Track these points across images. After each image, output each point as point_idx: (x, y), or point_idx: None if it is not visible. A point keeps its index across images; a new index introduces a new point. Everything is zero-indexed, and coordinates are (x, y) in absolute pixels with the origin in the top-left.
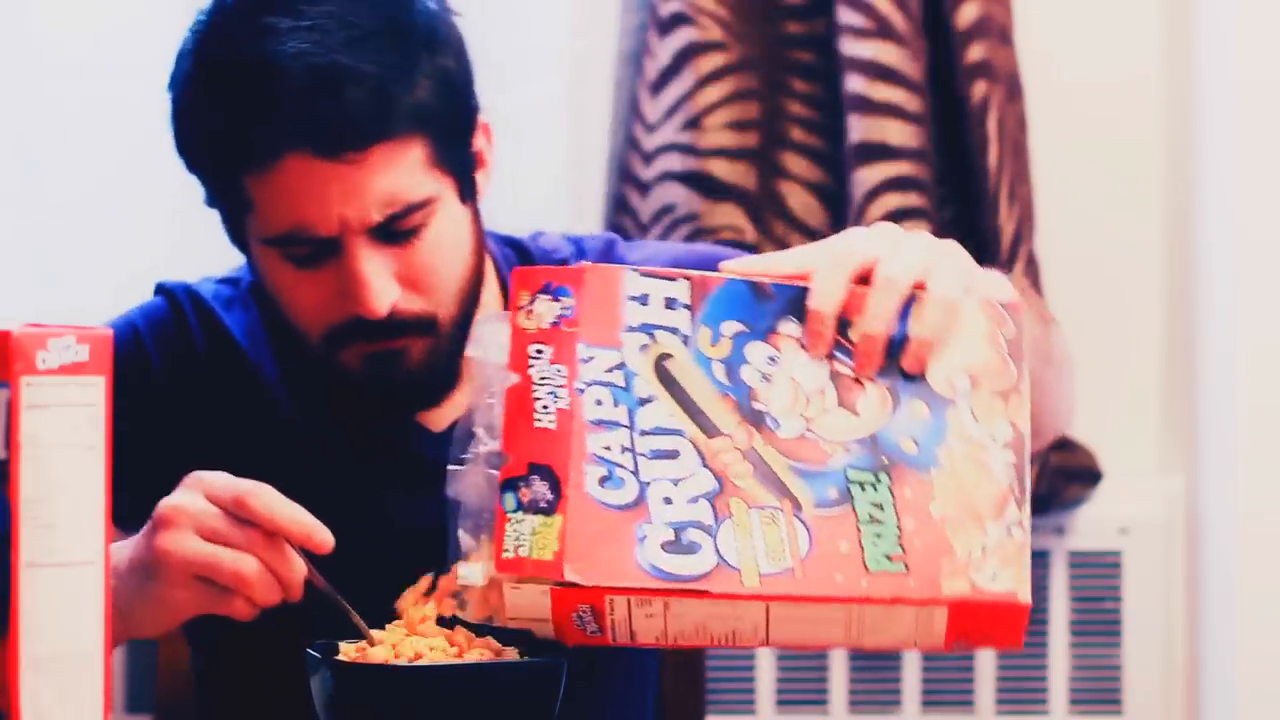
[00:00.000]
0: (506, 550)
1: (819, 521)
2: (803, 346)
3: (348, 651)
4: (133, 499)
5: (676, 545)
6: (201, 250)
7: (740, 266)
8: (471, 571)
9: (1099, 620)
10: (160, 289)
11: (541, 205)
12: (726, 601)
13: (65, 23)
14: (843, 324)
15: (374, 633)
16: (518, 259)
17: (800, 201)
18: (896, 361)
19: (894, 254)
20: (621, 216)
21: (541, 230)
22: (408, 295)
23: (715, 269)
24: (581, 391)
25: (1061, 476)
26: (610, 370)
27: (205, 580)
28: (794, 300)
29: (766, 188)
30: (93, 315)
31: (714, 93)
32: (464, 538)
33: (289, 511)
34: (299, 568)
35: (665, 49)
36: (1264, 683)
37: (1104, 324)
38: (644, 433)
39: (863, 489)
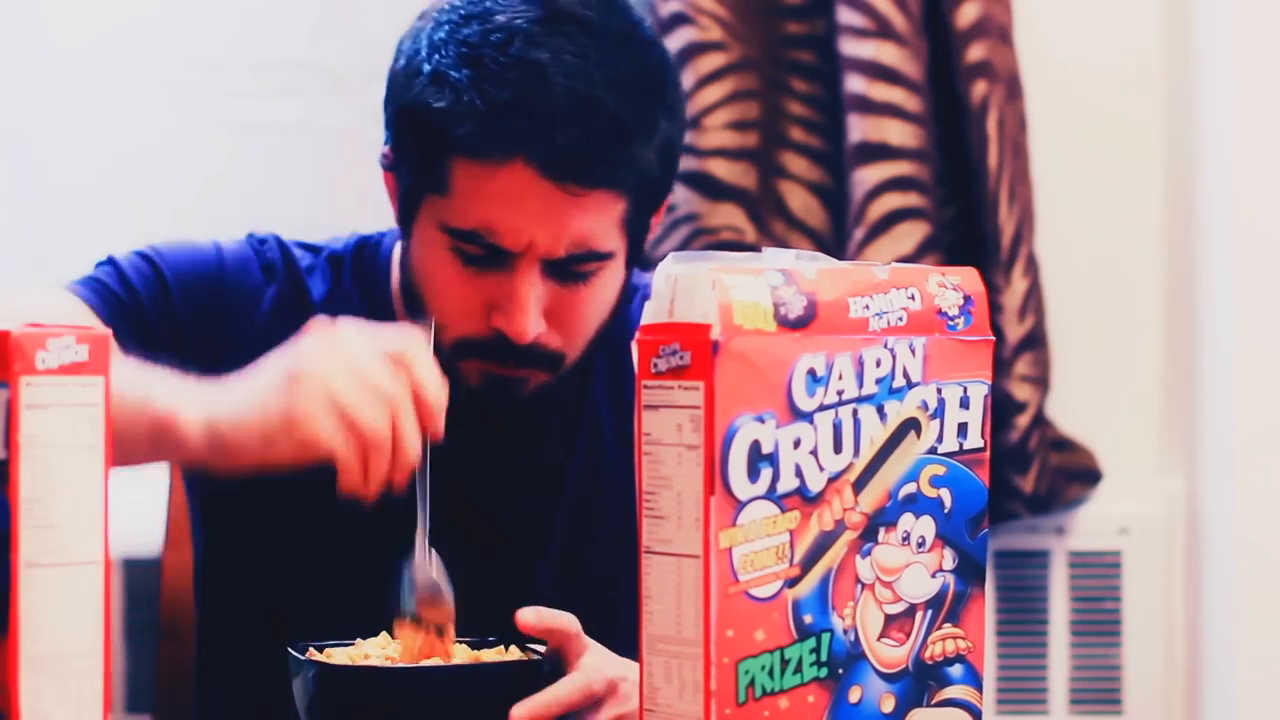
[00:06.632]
0: None
1: None
2: None
3: (331, 653)
4: None
5: None
6: None
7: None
8: None
9: (1099, 620)
10: (252, 237)
11: None
12: None
13: (65, 24)
14: None
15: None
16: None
17: (800, 201)
18: None
19: None
20: None
21: None
22: (550, 332)
23: None
24: None
25: (1061, 476)
26: None
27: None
28: None
29: (766, 188)
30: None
31: (714, 93)
32: None
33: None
34: (417, 448)
35: None
36: (1264, 683)
37: (1104, 324)
38: None
39: None
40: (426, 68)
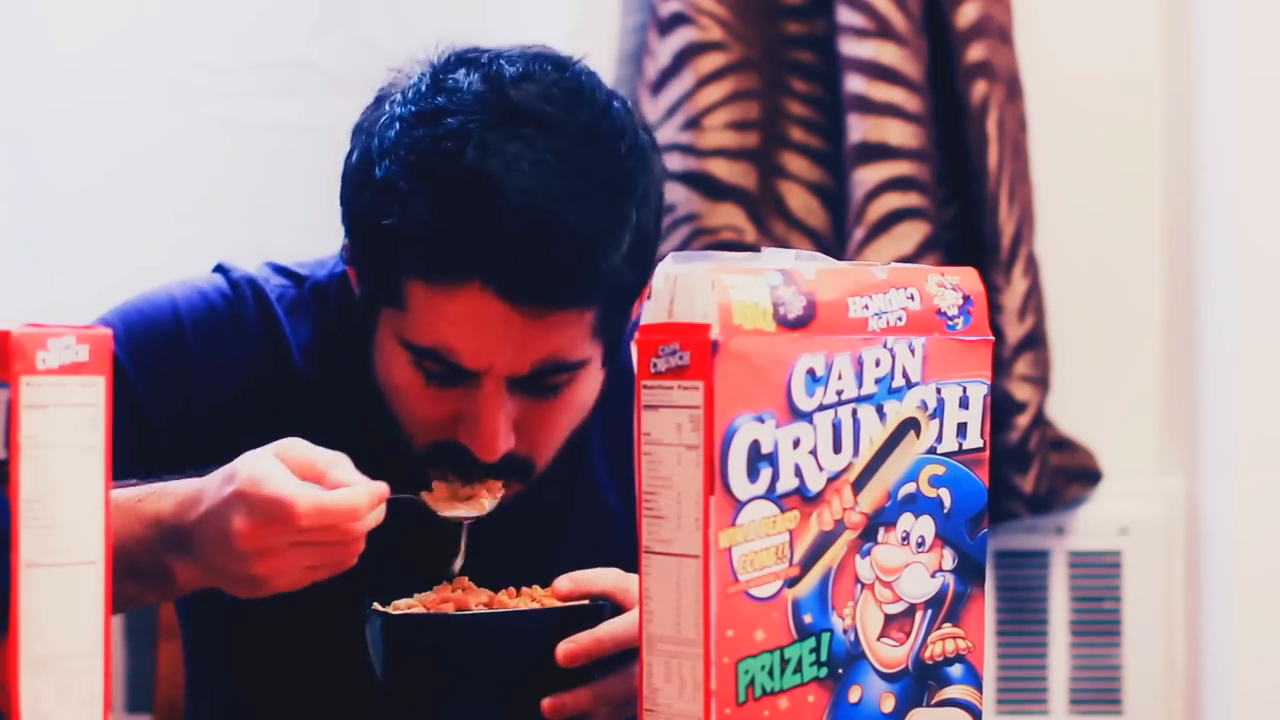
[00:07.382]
0: None
1: None
2: None
3: (399, 606)
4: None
5: None
6: (202, 250)
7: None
8: None
9: (1099, 620)
10: (223, 274)
11: None
12: None
13: (65, 24)
14: None
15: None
16: None
17: (800, 201)
18: None
19: None
20: None
21: None
22: (520, 443)
23: None
24: None
25: (1061, 476)
26: None
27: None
28: None
29: (766, 188)
30: (92, 314)
31: (714, 93)
32: None
33: (366, 496)
34: (379, 514)
35: (665, 49)
36: (1264, 683)
37: (1104, 324)
38: None
39: None
40: (377, 173)
